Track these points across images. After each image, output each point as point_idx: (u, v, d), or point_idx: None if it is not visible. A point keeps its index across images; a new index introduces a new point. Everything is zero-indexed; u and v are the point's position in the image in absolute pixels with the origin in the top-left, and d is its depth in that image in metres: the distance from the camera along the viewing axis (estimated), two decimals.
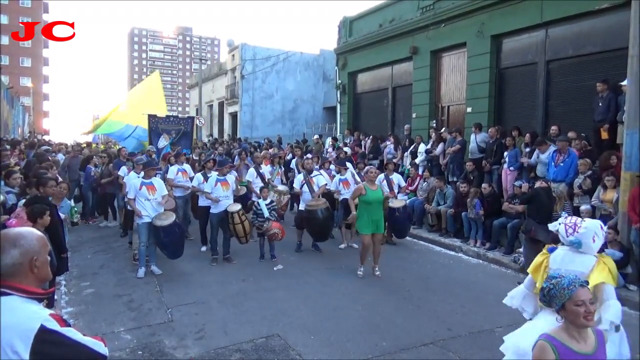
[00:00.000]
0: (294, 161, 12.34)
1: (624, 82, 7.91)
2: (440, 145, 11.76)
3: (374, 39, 16.37)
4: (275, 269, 7.58)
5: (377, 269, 7.22)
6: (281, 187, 9.83)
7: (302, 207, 8.63)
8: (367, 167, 7.91)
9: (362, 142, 14.79)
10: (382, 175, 9.71)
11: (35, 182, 5.56)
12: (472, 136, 11.16)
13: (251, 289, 6.60)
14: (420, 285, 6.91)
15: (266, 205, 8.01)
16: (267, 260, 8.02)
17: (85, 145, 16.55)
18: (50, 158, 10.38)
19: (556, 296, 2.26)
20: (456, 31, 12.94)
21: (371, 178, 7.20)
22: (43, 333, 1.61)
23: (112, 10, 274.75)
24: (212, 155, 11.97)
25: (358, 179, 9.33)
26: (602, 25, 9.66)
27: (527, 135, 9.69)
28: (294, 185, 9.07)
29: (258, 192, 8.75)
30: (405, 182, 11.45)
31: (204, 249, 8.68)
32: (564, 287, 2.25)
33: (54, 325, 1.65)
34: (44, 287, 1.85)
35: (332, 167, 10.22)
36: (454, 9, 12.87)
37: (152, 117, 12.41)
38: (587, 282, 2.34)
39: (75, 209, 6.32)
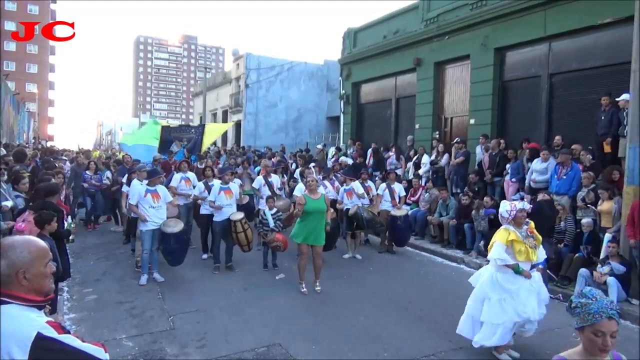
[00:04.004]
0: (298, 170, 12.39)
1: (621, 97, 7.96)
2: (446, 156, 11.80)
3: (378, 50, 16.49)
4: (277, 277, 7.58)
5: (317, 284, 6.89)
6: (281, 202, 9.39)
7: None
8: (309, 177, 7.59)
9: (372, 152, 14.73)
10: (383, 185, 9.78)
11: (45, 191, 5.59)
12: (479, 148, 11.19)
13: (253, 298, 6.61)
14: (422, 296, 6.90)
15: (272, 215, 8.00)
16: (269, 269, 8.03)
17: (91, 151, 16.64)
18: (56, 164, 10.44)
19: (579, 316, 2.14)
20: (460, 43, 13.03)
21: (312, 188, 6.94)
22: (40, 340, 1.62)
23: (118, 18, 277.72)
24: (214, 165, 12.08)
25: (362, 190, 9.38)
26: (605, 40, 9.73)
27: (527, 150, 9.77)
28: (295, 193, 9.03)
29: (264, 200, 8.75)
30: (408, 193, 11.52)
31: (204, 256, 8.69)
32: (590, 312, 2.11)
33: (51, 332, 1.65)
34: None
35: (337, 176, 10.28)
36: (457, 21, 12.98)
37: (165, 128, 12.66)
38: (618, 314, 2.15)
39: (72, 225, 6.30)
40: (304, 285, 6.86)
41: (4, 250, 1.71)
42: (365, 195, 9.41)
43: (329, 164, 14.02)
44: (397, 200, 9.53)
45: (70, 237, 6.00)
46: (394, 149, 13.78)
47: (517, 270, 4.74)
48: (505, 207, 4.92)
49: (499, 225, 5.13)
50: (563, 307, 2.58)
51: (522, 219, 4.87)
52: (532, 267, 4.92)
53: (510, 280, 4.76)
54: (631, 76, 6.95)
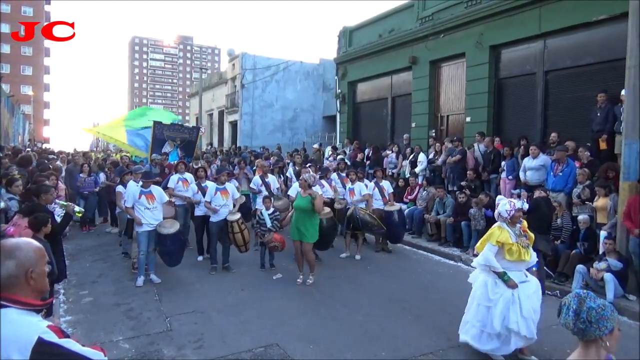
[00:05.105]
0: (290, 170, 12.33)
1: (624, 91, 7.96)
2: (443, 155, 11.79)
3: (374, 49, 16.48)
4: (274, 277, 7.57)
5: (310, 277, 7.23)
6: (281, 202, 9.41)
7: None
8: (304, 175, 7.81)
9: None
10: (372, 184, 9.73)
11: (34, 190, 5.57)
12: (475, 145, 11.20)
13: (250, 298, 6.59)
14: (420, 295, 6.89)
15: (269, 215, 7.99)
16: (266, 269, 8.01)
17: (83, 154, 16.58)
18: (51, 166, 10.39)
19: (609, 319, 2.00)
20: (455, 42, 13.04)
21: (302, 185, 7.22)
22: (41, 345, 1.61)
23: (113, 19, 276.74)
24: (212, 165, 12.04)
25: (365, 191, 9.35)
26: (600, 37, 9.75)
27: (522, 147, 9.79)
28: (289, 193, 8.96)
29: (261, 200, 8.72)
30: (405, 192, 11.53)
31: (200, 258, 8.65)
32: (613, 310, 2.04)
33: (51, 337, 1.65)
34: (43, 297, 1.85)
35: (334, 176, 10.27)
36: (452, 19, 12.98)
37: (157, 124, 12.29)
38: None
39: (64, 203, 6.21)
40: (300, 277, 7.24)
41: (10, 251, 1.71)
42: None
43: (325, 163, 14.00)
44: (387, 197, 9.53)
45: (76, 209, 5.84)
46: (393, 148, 13.76)
47: (503, 277, 4.65)
48: (505, 207, 4.81)
49: (495, 222, 5.10)
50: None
51: (518, 218, 4.85)
52: (528, 269, 4.90)
53: (493, 290, 4.71)
54: (626, 73, 6.96)
